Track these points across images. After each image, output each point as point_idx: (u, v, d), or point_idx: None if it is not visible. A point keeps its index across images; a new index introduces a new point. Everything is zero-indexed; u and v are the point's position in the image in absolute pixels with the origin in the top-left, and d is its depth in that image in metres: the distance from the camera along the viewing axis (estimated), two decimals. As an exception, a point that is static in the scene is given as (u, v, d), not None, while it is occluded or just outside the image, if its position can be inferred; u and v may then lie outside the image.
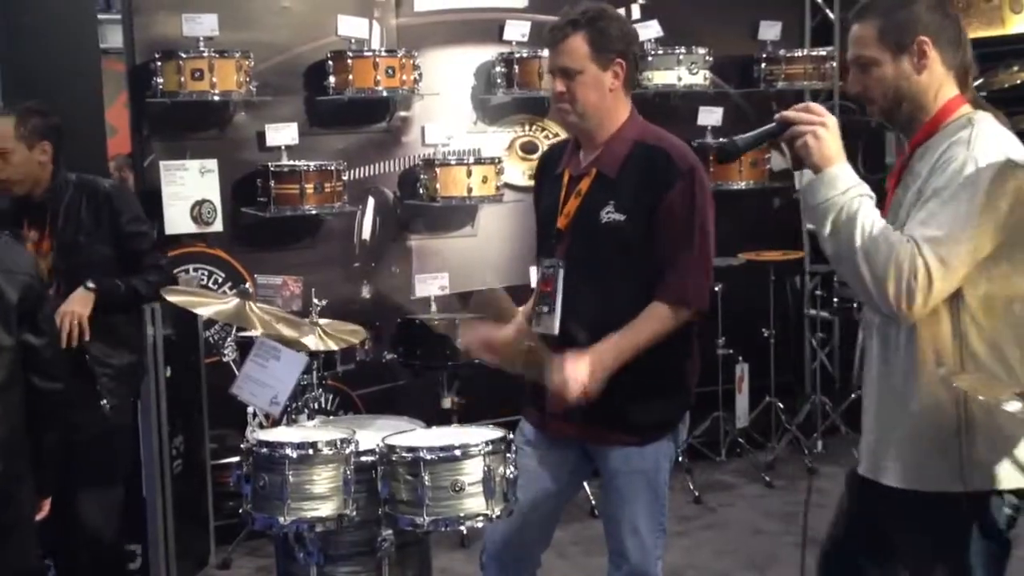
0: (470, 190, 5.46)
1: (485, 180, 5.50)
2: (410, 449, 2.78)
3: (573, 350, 2.92)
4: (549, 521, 3.26)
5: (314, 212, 5.29)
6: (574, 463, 3.20)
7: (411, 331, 5.13)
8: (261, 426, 2.76)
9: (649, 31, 5.88)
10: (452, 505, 2.76)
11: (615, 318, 2.99)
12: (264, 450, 2.78)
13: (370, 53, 5.32)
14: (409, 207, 5.68)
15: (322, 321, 3.37)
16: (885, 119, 2.57)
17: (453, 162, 5.49)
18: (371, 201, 5.64)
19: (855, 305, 5.82)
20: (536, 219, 3.37)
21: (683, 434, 3.26)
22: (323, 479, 2.78)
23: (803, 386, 6.56)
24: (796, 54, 6.18)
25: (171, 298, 3.46)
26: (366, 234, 5.64)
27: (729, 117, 6.03)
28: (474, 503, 2.78)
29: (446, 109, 5.73)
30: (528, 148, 5.93)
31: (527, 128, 5.94)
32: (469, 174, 5.45)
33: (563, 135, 5.91)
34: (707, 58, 5.88)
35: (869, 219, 2.34)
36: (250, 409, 2.81)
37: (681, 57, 5.79)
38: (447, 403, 5.11)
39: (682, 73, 5.79)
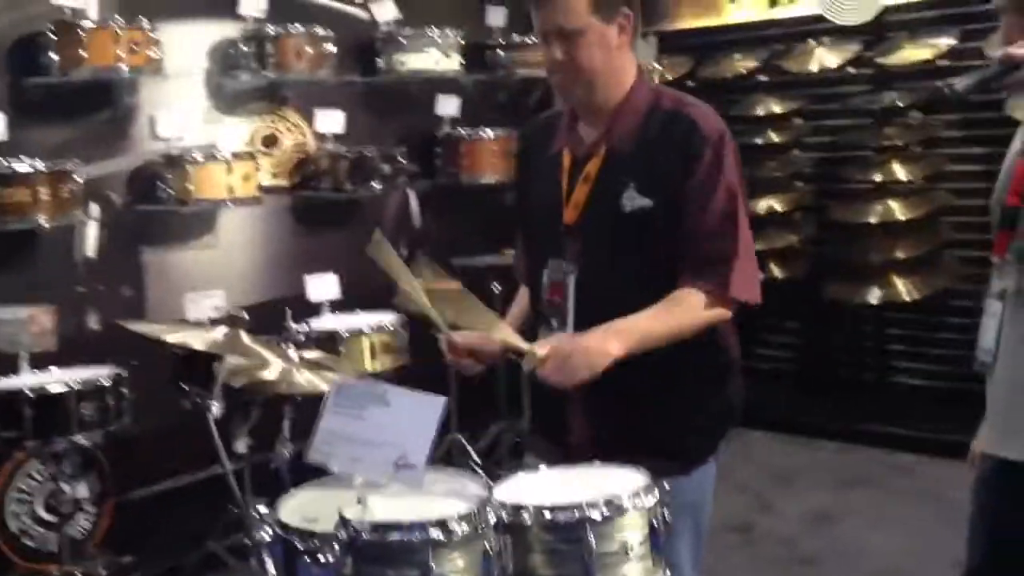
0: (231, 190, 4.58)
1: (247, 179, 4.64)
2: (563, 508, 2.10)
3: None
4: None
5: (47, 225, 4.15)
6: None
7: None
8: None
9: (386, 11, 5.31)
10: (620, 574, 2.13)
11: None
12: (378, 535, 1.95)
13: (103, 24, 4.27)
14: (142, 214, 4.66)
15: (307, 354, 2.50)
16: None
17: (201, 159, 4.56)
18: (94, 208, 4.56)
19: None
20: (523, 213, 2.77)
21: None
22: (462, 568, 2.02)
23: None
24: (528, 41, 5.84)
25: (134, 327, 2.44)
26: (90, 250, 4.55)
27: (469, 104, 5.57)
28: (641, 568, 2.16)
29: (177, 95, 4.78)
30: (269, 142, 5.11)
31: (267, 119, 5.11)
32: (230, 171, 4.57)
33: (304, 126, 5.19)
34: (460, 41, 5.39)
35: None
36: (360, 479, 1.96)
37: (437, 40, 5.25)
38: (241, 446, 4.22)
39: (438, 57, 5.25)
